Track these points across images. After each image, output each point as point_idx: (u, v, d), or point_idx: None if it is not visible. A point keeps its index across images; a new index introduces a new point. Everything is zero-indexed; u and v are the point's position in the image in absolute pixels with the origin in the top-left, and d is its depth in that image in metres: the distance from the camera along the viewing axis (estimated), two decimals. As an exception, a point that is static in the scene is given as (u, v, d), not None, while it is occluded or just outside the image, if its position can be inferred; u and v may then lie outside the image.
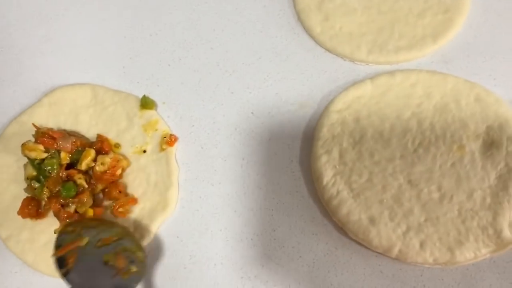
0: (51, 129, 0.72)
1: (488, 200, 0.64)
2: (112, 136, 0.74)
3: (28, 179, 0.69)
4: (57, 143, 0.69)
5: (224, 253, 0.67)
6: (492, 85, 0.72)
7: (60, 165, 0.68)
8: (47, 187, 0.67)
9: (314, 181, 0.69)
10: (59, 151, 0.69)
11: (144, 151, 0.73)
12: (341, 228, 0.66)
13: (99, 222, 0.66)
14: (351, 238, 0.65)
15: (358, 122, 0.71)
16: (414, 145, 0.68)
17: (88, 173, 0.70)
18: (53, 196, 0.67)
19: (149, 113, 0.75)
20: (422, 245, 0.62)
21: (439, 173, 0.66)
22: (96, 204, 0.69)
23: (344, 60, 0.77)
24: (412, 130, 0.69)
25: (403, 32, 0.76)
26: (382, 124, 0.70)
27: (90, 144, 0.72)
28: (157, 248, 0.68)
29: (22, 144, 0.69)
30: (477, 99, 0.70)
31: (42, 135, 0.69)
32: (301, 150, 0.72)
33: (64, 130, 0.74)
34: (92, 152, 0.69)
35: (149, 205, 0.70)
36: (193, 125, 0.75)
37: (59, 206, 0.66)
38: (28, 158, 0.69)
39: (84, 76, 0.80)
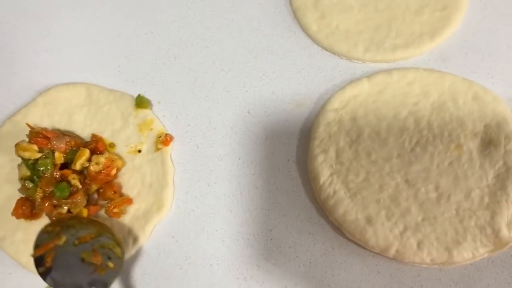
0: (45, 129, 0.71)
1: (486, 199, 0.63)
2: (106, 135, 0.73)
3: (22, 179, 0.69)
4: (51, 143, 0.68)
5: (220, 254, 0.67)
6: (490, 83, 0.72)
7: (54, 165, 0.68)
8: (40, 188, 0.66)
9: (311, 181, 0.68)
10: (53, 151, 0.68)
11: (139, 151, 0.72)
12: (338, 228, 0.66)
13: (78, 220, 0.66)
14: (348, 238, 0.65)
15: (355, 121, 0.70)
16: (411, 144, 0.68)
17: (82, 173, 0.70)
18: (46, 196, 0.66)
19: (144, 112, 0.75)
20: (419, 245, 0.62)
21: (437, 172, 0.65)
22: (90, 204, 0.69)
23: (341, 58, 0.76)
24: (409, 129, 0.69)
25: (400, 29, 0.75)
26: (379, 123, 0.70)
27: (85, 144, 0.71)
28: (152, 249, 0.68)
29: (15, 144, 0.69)
30: (475, 98, 0.69)
31: (36, 135, 0.69)
32: (298, 150, 0.71)
33: (58, 130, 0.73)
34: (86, 152, 0.69)
35: (144, 206, 0.69)
36: (188, 125, 0.74)
37: (52, 207, 0.66)
38: (22, 158, 0.69)
39: (79, 75, 0.79)
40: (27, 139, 0.69)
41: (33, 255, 0.62)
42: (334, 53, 0.76)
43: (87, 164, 0.69)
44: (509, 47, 0.74)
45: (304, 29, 0.79)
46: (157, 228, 0.69)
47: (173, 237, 0.68)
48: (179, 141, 0.74)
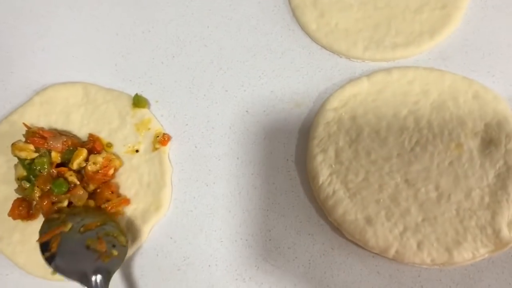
0: (42, 129, 0.71)
1: (487, 199, 0.63)
2: (104, 135, 0.73)
3: (19, 179, 0.68)
4: (47, 143, 0.68)
5: (219, 255, 0.66)
6: (491, 82, 0.71)
7: (51, 163, 0.67)
8: (37, 186, 0.66)
9: (310, 181, 0.68)
10: (49, 151, 0.68)
11: (137, 151, 0.72)
12: (338, 228, 0.65)
13: (84, 209, 0.67)
14: (347, 239, 0.65)
15: (355, 120, 0.69)
16: (411, 144, 0.67)
17: (80, 173, 0.69)
18: (44, 194, 0.66)
19: (141, 112, 0.74)
20: (419, 245, 0.61)
21: (437, 172, 0.65)
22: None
23: (340, 57, 0.76)
24: (409, 128, 0.68)
25: (400, 28, 0.75)
26: (378, 122, 0.69)
27: (82, 144, 0.71)
28: (150, 250, 0.67)
29: (12, 144, 0.68)
30: (475, 97, 0.69)
31: (33, 134, 0.68)
32: (297, 149, 0.71)
33: (55, 130, 0.73)
34: (84, 152, 0.69)
35: (142, 206, 0.69)
36: (186, 124, 0.74)
37: (50, 204, 0.66)
38: (18, 158, 0.68)
39: (76, 74, 0.79)
40: (23, 139, 0.69)
41: (38, 240, 0.63)
42: (333, 51, 0.76)
43: (84, 164, 0.68)
44: (510, 46, 0.74)
45: (303, 27, 0.78)
46: (155, 228, 0.68)
47: (171, 237, 0.68)
48: (177, 141, 0.73)
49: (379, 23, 0.76)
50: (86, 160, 0.69)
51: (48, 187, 0.66)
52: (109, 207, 0.67)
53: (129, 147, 0.72)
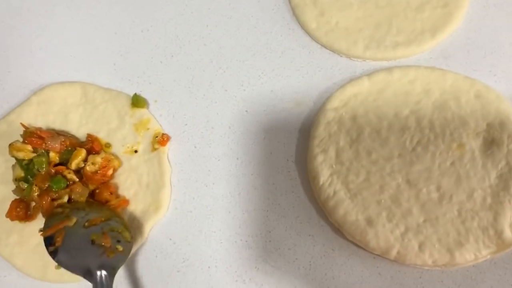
0: (39, 129, 0.70)
1: (489, 200, 0.62)
2: (102, 135, 0.72)
3: (16, 180, 0.68)
4: (45, 143, 0.67)
5: (218, 256, 0.66)
6: (493, 81, 0.71)
7: (49, 162, 0.67)
8: (36, 185, 0.65)
9: (310, 181, 0.67)
10: (47, 151, 0.67)
11: (136, 151, 0.71)
12: (338, 229, 0.65)
13: (88, 204, 0.66)
14: (348, 240, 0.64)
15: (355, 120, 0.69)
16: (413, 144, 0.66)
17: (79, 174, 0.68)
18: (43, 192, 0.65)
19: (140, 111, 0.73)
20: (421, 246, 0.61)
21: (438, 173, 0.64)
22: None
23: (341, 56, 0.75)
24: (411, 128, 0.67)
25: (401, 27, 0.74)
26: (379, 122, 0.68)
27: (80, 144, 0.70)
28: (149, 251, 0.67)
29: (9, 145, 0.68)
30: (477, 96, 0.68)
31: (31, 134, 0.68)
32: (297, 149, 0.70)
33: (53, 130, 0.72)
34: (83, 152, 0.68)
35: (141, 207, 0.68)
36: (186, 124, 0.73)
37: (50, 201, 0.65)
38: (16, 158, 0.68)
39: (74, 74, 0.78)
40: (21, 139, 0.68)
41: (43, 234, 0.62)
42: (333, 51, 0.75)
43: (83, 165, 0.68)
44: (512, 44, 0.73)
45: (303, 26, 0.77)
46: (154, 229, 0.68)
47: (170, 239, 0.67)
48: (176, 141, 0.72)
49: (380, 22, 0.75)
50: (85, 160, 0.68)
51: (47, 185, 0.65)
52: (108, 209, 0.66)
53: (128, 147, 0.71)
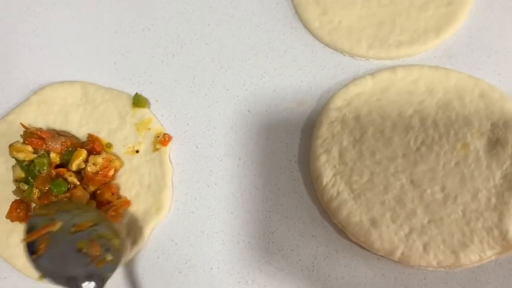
0: (40, 129, 0.69)
1: (494, 200, 0.62)
2: (103, 135, 0.72)
3: (17, 181, 0.67)
4: (46, 144, 0.67)
5: (221, 257, 0.65)
6: (497, 80, 0.70)
7: (50, 164, 0.66)
8: (36, 187, 0.65)
9: (313, 182, 0.67)
10: (48, 152, 0.67)
11: (137, 151, 0.70)
12: (342, 230, 0.64)
13: (74, 205, 0.63)
14: (352, 241, 0.64)
15: (359, 120, 0.68)
16: (417, 144, 0.66)
17: (80, 174, 0.68)
18: (43, 195, 0.65)
19: (141, 111, 0.73)
20: (425, 247, 0.61)
21: (443, 173, 0.64)
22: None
23: (344, 55, 0.75)
24: (415, 128, 0.67)
25: (404, 25, 0.74)
26: (383, 122, 0.68)
27: (81, 144, 0.70)
28: (151, 252, 0.66)
29: (10, 145, 0.67)
30: (481, 96, 0.68)
31: (31, 135, 0.67)
32: (300, 149, 0.70)
33: (54, 130, 0.71)
34: (83, 153, 0.67)
35: (143, 208, 0.67)
36: (187, 124, 0.73)
37: None
38: (16, 159, 0.67)
39: (74, 73, 0.77)
40: (21, 140, 0.68)
41: (24, 240, 0.58)
42: (336, 50, 0.75)
43: (84, 165, 0.67)
44: (516, 43, 0.73)
45: (305, 25, 0.77)
46: (155, 230, 0.67)
47: (172, 240, 0.67)
48: (178, 141, 0.72)
49: (383, 21, 0.74)
50: (86, 161, 0.68)
51: (47, 188, 0.65)
52: (110, 210, 0.65)
53: (129, 147, 0.71)
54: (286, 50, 0.76)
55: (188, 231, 0.67)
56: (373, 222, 0.62)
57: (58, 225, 0.59)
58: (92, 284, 0.56)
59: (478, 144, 0.65)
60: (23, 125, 0.69)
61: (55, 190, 0.64)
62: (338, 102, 0.70)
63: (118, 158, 0.70)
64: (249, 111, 0.73)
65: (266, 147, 0.70)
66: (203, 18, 0.80)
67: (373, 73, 0.71)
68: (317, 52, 0.75)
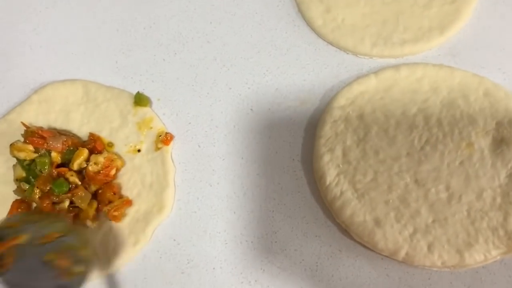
0: (41, 128, 0.69)
1: (499, 200, 0.61)
2: (104, 134, 0.71)
3: (18, 180, 0.67)
4: (47, 143, 0.66)
5: (223, 257, 0.65)
6: (502, 79, 0.70)
7: (51, 163, 0.66)
8: (37, 187, 0.64)
9: (317, 181, 0.66)
10: (49, 151, 0.66)
11: (139, 150, 0.70)
12: (345, 230, 0.64)
13: (42, 216, 0.62)
14: (355, 240, 0.63)
15: (362, 118, 0.68)
16: (421, 143, 0.65)
17: (81, 174, 0.68)
18: (44, 195, 0.65)
19: (143, 110, 0.72)
20: (430, 247, 0.60)
21: (447, 172, 0.63)
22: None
23: (347, 53, 0.74)
24: (419, 126, 0.66)
25: (408, 24, 0.73)
26: (387, 121, 0.67)
27: (82, 144, 0.69)
28: (153, 252, 0.66)
29: (10, 145, 0.67)
30: (486, 94, 0.67)
31: (32, 134, 0.67)
32: (303, 149, 0.69)
33: (55, 129, 0.71)
34: (85, 152, 0.67)
35: (144, 207, 0.67)
36: (189, 123, 0.72)
37: (51, 204, 0.64)
38: (17, 159, 0.66)
39: (75, 72, 0.77)
40: (22, 139, 0.67)
41: None
42: (340, 48, 0.74)
43: (85, 165, 0.67)
44: (521, 42, 0.72)
45: (308, 23, 0.76)
46: (157, 230, 0.67)
47: (174, 239, 0.66)
48: (180, 140, 0.71)
49: (387, 19, 0.74)
50: (87, 160, 0.67)
51: (48, 188, 0.64)
52: (112, 210, 0.65)
53: (131, 146, 0.70)
54: (289, 48, 0.75)
55: (190, 231, 0.66)
56: (377, 222, 0.62)
57: (24, 237, 0.57)
58: None
59: (483, 143, 0.64)
60: (24, 124, 0.69)
61: (56, 190, 0.64)
62: (341, 100, 0.69)
63: (119, 157, 0.69)
64: (251, 109, 0.72)
65: (269, 146, 0.70)
66: (205, 16, 0.79)
67: (376, 71, 0.71)
68: (320, 50, 0.75)
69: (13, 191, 0.67)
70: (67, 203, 0.64)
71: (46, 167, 0.65)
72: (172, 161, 0.70)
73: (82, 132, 0.72)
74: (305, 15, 0.76)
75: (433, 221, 0.61)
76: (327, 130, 0.68)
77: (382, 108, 0.68)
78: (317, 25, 0.75)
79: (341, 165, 0.65)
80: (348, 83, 0.71)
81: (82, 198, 0.64)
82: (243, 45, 0.76)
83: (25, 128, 0.68)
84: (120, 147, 0.70)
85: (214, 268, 0.64)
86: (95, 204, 0.66)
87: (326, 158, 0.66)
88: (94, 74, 0.76)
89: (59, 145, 0.66)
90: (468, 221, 0.61)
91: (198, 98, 0.74)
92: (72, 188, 0.65)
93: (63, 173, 0.66)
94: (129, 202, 0.67)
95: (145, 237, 0.66)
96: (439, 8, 0.73)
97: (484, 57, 0.71)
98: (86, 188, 0.66)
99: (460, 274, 0.61)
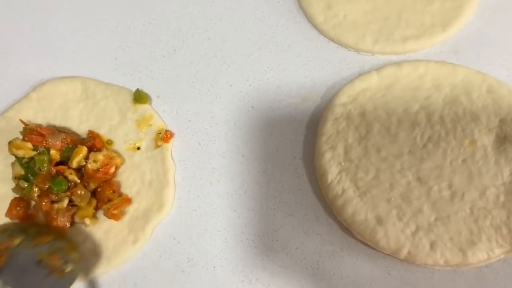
0: (39, 125, 0.69)
1: (502, 198, 0.61)
2: (104, 132, 0.71)
3: (16, 178, 0.66)
4: (46, 140, 0.66)
5: (224, 255, 0.64)
6: (505, 76, 0.69)
7: (50, 161, 0.65)
8: (36, 185, 0.64)
9: (318, 179, 0.66)
10: (48, 149, 0.66)
11: (138, 148, 0.69)
12: (347, 228, 0.63)
13: (35, 226, 0.64)
14: (357, 239, 0.63)
15: (364, 116, 0.67)
16: (423, 140, 0.65)
17: (80, 172, 0.67)
18: (43, 194, 0.64)
19: (143, 107, 0.72)
20: (432, 245, 0.60)
21: (450, 170, 0.63)
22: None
23: (349, 50, 0.74)
24: (421, 124, 0.66)
25: (410, 20, 0.72)
26: (389, 118, 0.67)
27: (81, 141, 0.69)
28: (153, 251, 0.65)
29: (9, 142, 0.66)
30: (489, 91, 0.67)
31: (30, 131, 0.67)
32: (304, 146, 0.69)
33: (54, 126, 0.71)
34: (84, 150, 0.66)
35: (144, 205, 0.66)
36: (189, 120, 0.72)
37: (50, 203, 0.63)
38: (16, 156, 0.66)
39: (74, 69, 0.76)
40: (20, 136, 0.67)
41: None
42: (341, 45, 0.74)
43: (84, 162, 0.66)
44: (525, 38, 0.71)
45: (310, 19, 0.76)
46: (157, 228, 0.66)
47: (174, 238, 0.66)
48: (180, 138, 0.71)
49: (388, 15, 0.73)
50: (86, 158, 0.67)
51: (47, 186, 0.64)
52: (111, 208, 0.64)
53: (130, 144, 0.70)
54: (290, 45, 0.75)
55: (190, 229, 0.66)
56: (379, 220, 0.61)
57: (17, 241, 0.60)
58: None
59: (486, 140, 0.64)
60: (22, 122, 0.69)
61: (55, 189, 0.64)
62: (343, 98, 0.69)
63: (119, 155, 0.69)
64: (252, 107, 0.72)
65: (270, 143, 0.69)
66: (205, 12, 0.79)
67: (378, 68, 0.70)
68: (322, 47, 0.74)
69: (12, 189, 0.66)
70: (66, 201, 0.64)
71: (45, 165, 0.65)
72: (172, 159, 0.69)
73: (81, 129, 0.71)
74: (306, 12, 0.76)
75: (436, 219, 0.61)
76: (329, 128, 0.67)
77: (384, 105, 0.68)
78: (319, 22, 0.74)
79: (342, 163, 0.65)
80: (349, 80, 0.70)
81: (81, 196, 0.64)
82: (243, 42, 0.76)
83: (23, 126, 0.68)
84: (120, 145, 0.70)
85: (214, 267, 0.64)
86: (94, 202, 0.65)
87: (328, 156, 0.65)
88: (93, 71, 0.75)
89: (58, 143, 0.66)
90: (471, 219, 0.60)
91: (198, 95, 0.73)
92: (71, 186, 0.65)
93: (62, 171, 0.65)
94: (128, 200, 0.66)
95: (144, 235, 0.65)
96: (442, 4, 0.73)
97: (487, 53, 0.71)
98: (85, 186, 0.66)
99: (463, 273, 0.60)
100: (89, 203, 0.65)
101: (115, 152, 0.69)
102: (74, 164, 0.66)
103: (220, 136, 0.70)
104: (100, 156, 0.66)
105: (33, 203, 0.66)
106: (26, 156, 0.65)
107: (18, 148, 0.65)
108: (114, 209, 0.64)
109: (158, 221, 0.66)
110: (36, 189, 0.64)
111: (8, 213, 0.65)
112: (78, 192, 0.64)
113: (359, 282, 0.61)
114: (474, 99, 0.66)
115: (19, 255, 0.59)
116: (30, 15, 0.81)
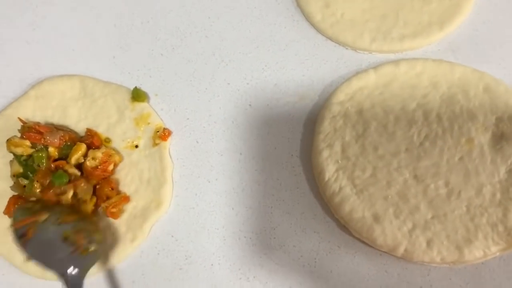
0: (38, 123, 0.69)
1: (498, 195, 0.61)
2: (102, 130, 0.71)
3: (15, 176, 0.66)
4: (44, 138, 0.66)
5: (222, 253, 0.64)
6: (502, 74, 0.69)
7: (48, 158, 0.65)
8: (37, 181, 0.64)
9: (316, 177, 0.66)
10: (46, 147, 0.66)
11: (136, 146, 0.70)
12: (344, 226, 0.63)
13: (60, 206, 0.64)
14: (354, 236, 0.63)
15: (361, 114, 0.67)
16: (420, 138, 0.65)
17: (79, 169, 0.67)
18: (45, 189, 0.64)
19: (141, 105, 0.72)
20: (429, 243, 0.60)
21: (447, 168, 0.63)
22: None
23: (346, 48, 0.74)
24: (418, 122, 0.66)
25: (408, 18, 0.72)
26: (386, 116, 0.67)
27: (80, 139, 0.69)
28: (150, 249, 0.65)
29: (7, 140, 0.66)
30: (486, 90, 0.67)
31: (29, 129, 0.66)
32: (302, 144, 0.69)
33: (52, 124, 0.70)
34: (83, 147, 0.67)
35: (142, 203, 0.67)
36: (187, 118, 0.72)
37: (55, 195, 0.63)
38: (14, 154, 0.66)
39: (72, 67, 0.76)
40: (19, 134, 0.67)
41: (14, 226, 0.61)
42: (339, 43, 0.74)
43: (83, 160, 0.66)
44: (522, 37, 0.72)
45: (307, 18, 0.76)
46: (155, 226, 0.66)
47: (172, 236, 0.66)
48: (178, 136, 0.71)
49: (386, 14, 0.73)
50: (85, 155, 0.67)
51: (48, 181, 0.64)
52: (110, 207, 0.64)
53: (128, 142, 0.70)
54: (288, 44, 0.75)
55: (188, 227, 0.66)
56: (376, 218, 0.61)
57: (44, 216, 0.61)
58: (76, 270, 0.59)
59: (483, 138, 0.64)
60: (20, 120, 0.69)
61: (56, 182, 0.63)
62: (340, 96, 0.69)
63: (117, 152, 0.69)
64: (250, 105, 0.72)
65: (268, 141, 0.69)
66: (204, 10, 0.78)
67: (376, 66, 0.70)
68: (319, 45, 0.74)
69: (10, 187, 0.66)
70: (71, 193, 0.64)
71: (43, 161, 0.65)
72: (170, 157, 0.69)
73: (79, 127, 0.71)
74: (304, 10, 0.76)
75: (432, 217, 0.61)
76: (326, 126, 0.67)
77: (381, 103, 0.68)
78: (316, 20, 0.74)
79: (340, 161, 0.65)
80: (347, 79, 0.70)
81: (85, 190, 0.64)
82: (241, 40, 0.76)
83: (22, 124, 0.68)
84: (118, 143, 0.70)
85: (212, 264, 0.64)
86: (94, 199, 0.65)
87: (325, 153, 0.65)
88: (91, 69, 0.75)
89: (56, 140, 0.66)
90: (468, 217, 0.61)
91: (196, 93, 0.73)
92: (72, 179, 0.65)
93: (61, 165, 0.65)
94: (126, 199, 0.66)
95: (142, 233, 0.65)
96: (439, 2, 0.73)
97: (484, 52, 0.71)
98: (84, 182, 0.66)
99: (460, 270, 0.61)
100: (90, 199, 0.65)
101: (114, 149, 0.69)
102: (73, 161, 0.66)
103: (218, 134, 0.70)
104: (99, 154, 0.66)
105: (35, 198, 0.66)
106: (25, 154, 0.65)
107: (17, 146, 0.65)
108: (113, 207, 0.64)
109: (156, 219, 0.66)
110: (37, 185, 0.64)
111: (7, 211, 0.65)
112: (82, 185, 0.64)
113: (356, 280, 0.61)
114: (471, 98, 0.67)
115: (45, 231, 0.60)
116: (29, 13, 0.81)
